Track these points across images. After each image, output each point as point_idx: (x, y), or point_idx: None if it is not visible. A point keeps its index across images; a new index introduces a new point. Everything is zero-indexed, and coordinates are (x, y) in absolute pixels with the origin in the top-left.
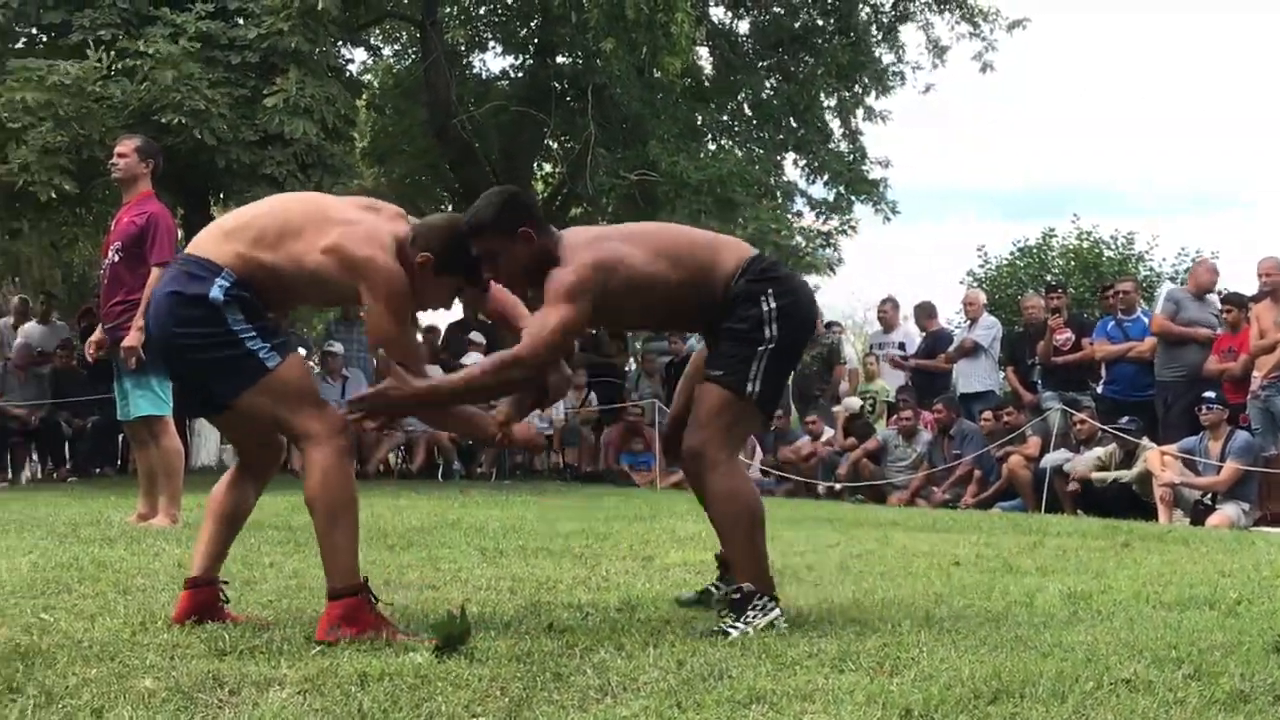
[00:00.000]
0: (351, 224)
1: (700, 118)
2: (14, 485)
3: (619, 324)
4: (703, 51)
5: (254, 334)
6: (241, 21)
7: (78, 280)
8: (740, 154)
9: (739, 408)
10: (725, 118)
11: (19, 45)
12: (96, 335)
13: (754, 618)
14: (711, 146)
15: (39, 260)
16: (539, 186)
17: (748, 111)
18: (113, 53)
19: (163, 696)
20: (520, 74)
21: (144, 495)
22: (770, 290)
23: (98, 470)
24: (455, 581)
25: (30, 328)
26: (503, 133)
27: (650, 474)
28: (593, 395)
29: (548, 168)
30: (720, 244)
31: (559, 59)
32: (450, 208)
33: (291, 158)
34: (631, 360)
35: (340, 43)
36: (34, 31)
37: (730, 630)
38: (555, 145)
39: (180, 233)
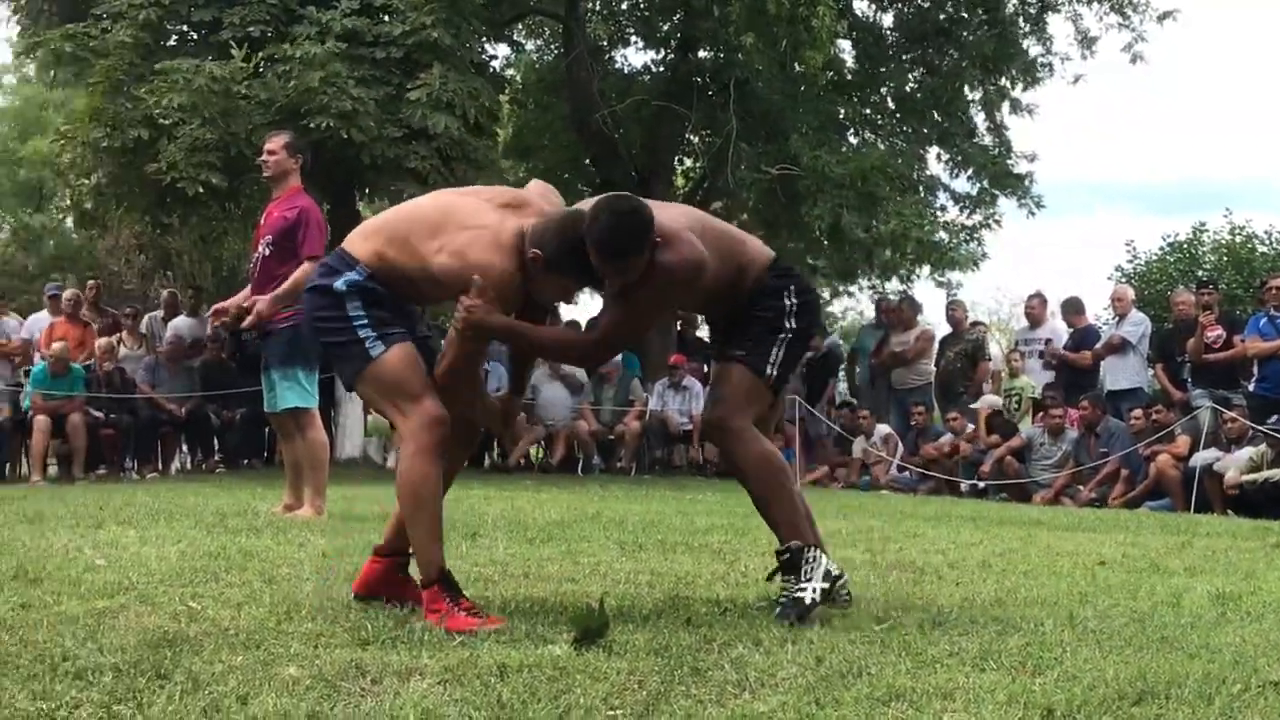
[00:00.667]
0: (478, 229)
1: (842, 111)
2: (164, 475)
3: None
4: (845, 44)
5: (366, 323)
6: (387, 19)
7: (226, 274)
8: (883, 148)
9: (757, 387)
10: (868, 111)
11: (171, 43)
12: (222, 304)
13: (812, 572)
14: (854, 140)
15: (189, 254)
16: (679, 181)
17: (891, 105)
18: (259, 54)
19: (306, 684)
20: (662, 68)
21: (290, 487)
22: (792, 287)
23: (245, 462)
24: (594, 575)
25: (180, 321)
26: (644, 127)
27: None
28: None
29: (688, 162)
30: (749, 240)
31: (700, 53)
32: None
33: (435, 152)
34: None
35: (483, 38)
36: (185, 29)
37: (801, 595)
38: (696, 140)
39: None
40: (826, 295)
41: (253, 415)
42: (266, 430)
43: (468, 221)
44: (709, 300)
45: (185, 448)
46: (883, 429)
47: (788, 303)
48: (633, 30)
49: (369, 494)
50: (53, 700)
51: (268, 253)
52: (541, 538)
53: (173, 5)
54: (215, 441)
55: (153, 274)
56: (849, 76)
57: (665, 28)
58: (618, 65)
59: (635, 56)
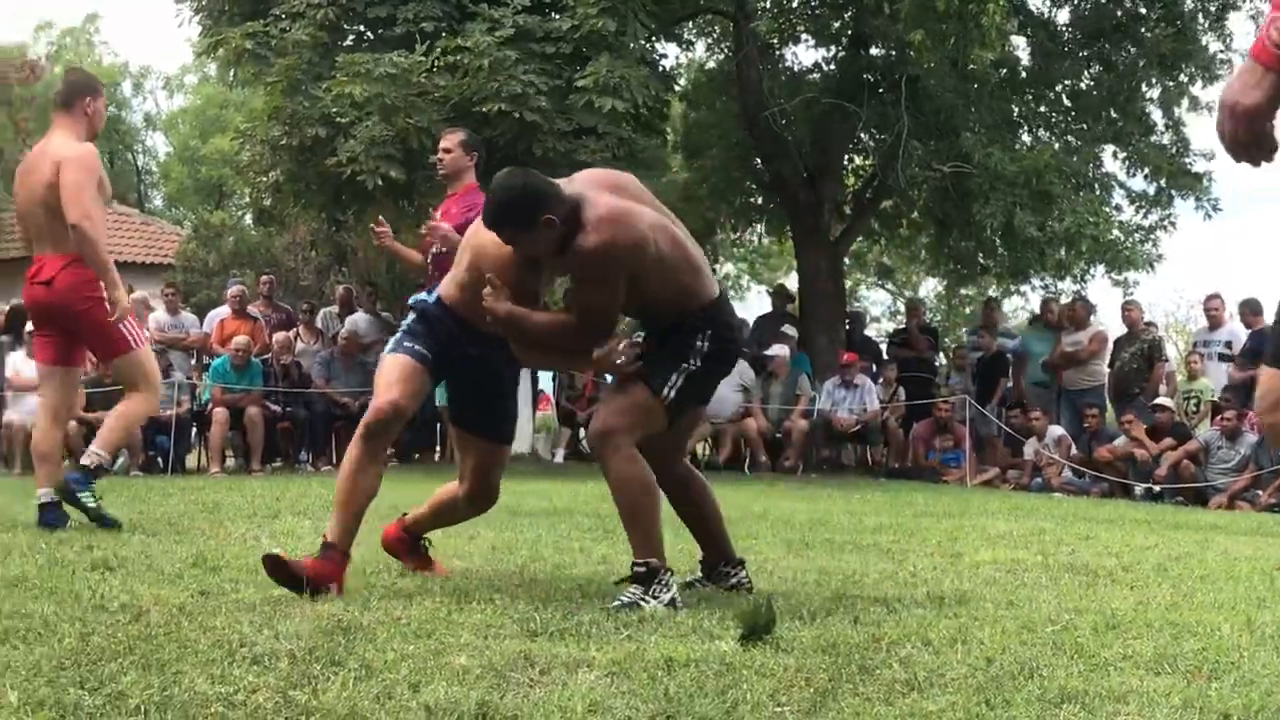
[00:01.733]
0: None
1: (1016, 109)
2: (337, 468)
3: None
4: (1019, 41)
5: (401, 331)
6: (556, 15)
7: (400, 271)
8: (1057, 146)
9: (652, 406)
10: (1042, 108)
11: (347, 42)
12: None
13: (660, 592)
14: (1027, 138)
15: (364, 250)
16: (849, 179)
17: (1066, 102)
18: (437, 47)
19: (476, 674)
20: (832, 66)
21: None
22: (709, 331)
23: (415, 456)
24: (761, 572)
25: (356, 317)
26: (814, 125)
27: (960, 471)
28: (901, 390)
29: (859, 160)
30: (702, 272)
31: (872, 50)
32: (760, 200)
33: (604, 147)
34: (941, 355)
35: (652, 35)
36: (361, 28)
37: (640, 604)
38: (866, 137)
39: None
40: (996, 294)
41: (424, 410)
42: (437, 425)
43: None
44: (644, 308)
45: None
46: (1055, 430)
47: (699, 343)
48: (803, 28)
49: (537, 489)
50: (231, 684)
51: (443, 250)
52: None
53: (349, 3)
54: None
55: (328, 270)
56: (1023, 73)
57: (836, 25)
58: (788, 63)
59: (805, 54)
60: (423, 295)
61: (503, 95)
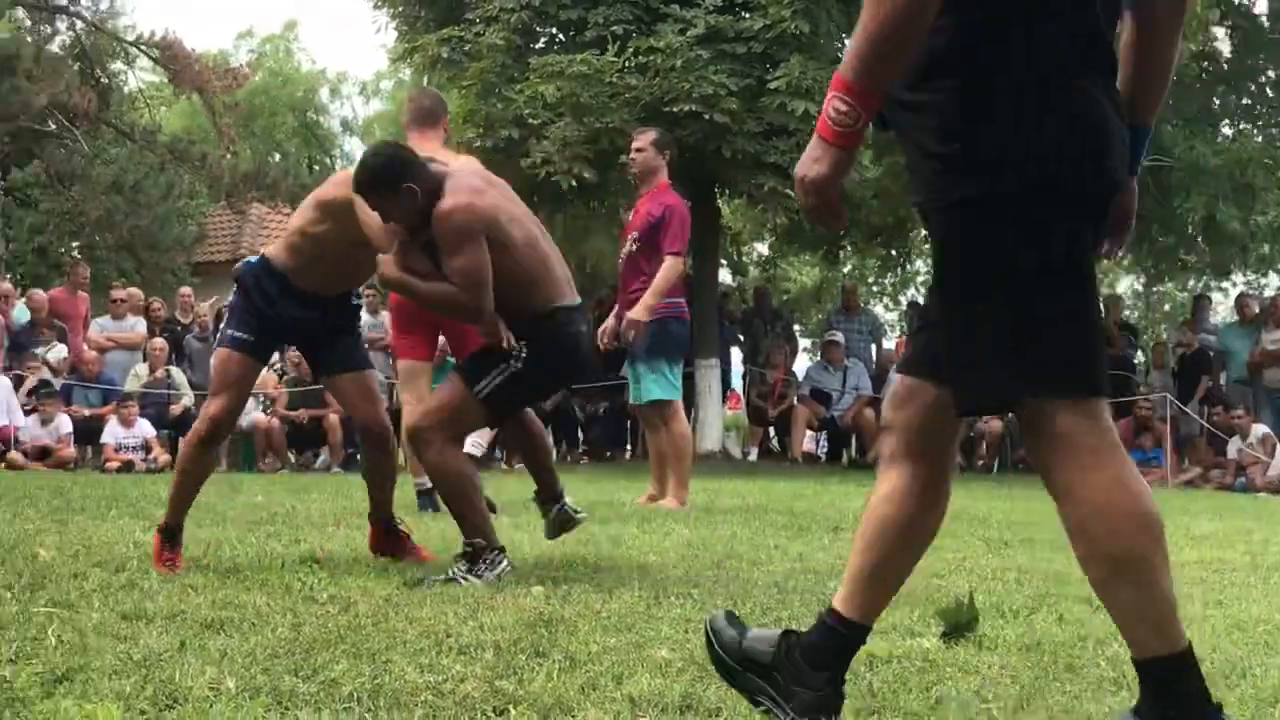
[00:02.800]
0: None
1: (1217, 101)
2: None
3: None
4: (1219, 32)
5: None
6: (747, 15)
7: (590, 271)
8: (1260, 139)
9: (467, 401)
10: (1245, 100)
11: (539, 45)
12: (609, 323)
13: (484, 570)
14: (1228, 130)
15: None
16: None
17: (1270, 93)
18: (629, 48)
19: (678, 667)
20: None
21: (654, 478)
22: (527, 340)
23: (608, 454)
24: (960, 570)
25: None
26: None
27: (1161, 470)
28: None
29: None
30: (557, 276)
31: None
32: None
33: (795, 147)
34: (1140, 353)
35: (844, 33)
36: (553, 31)
37: (462, 580)
38: None
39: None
40: (1196, 286)
41: (615, 408)
42: (629, 423)
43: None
44: (496, 298)
45: (550, 439)
46: (1260, 429)
47: (520, 350)
48: None
49: (729, 487)
50: (439, 674)
51: (634, 249)
52: None
53: (542, 6)
54: (579, 433)
55: None
56: (1224, 65)
57: None
58: None
59: None
60: (249, 260)
61: (694, 96)
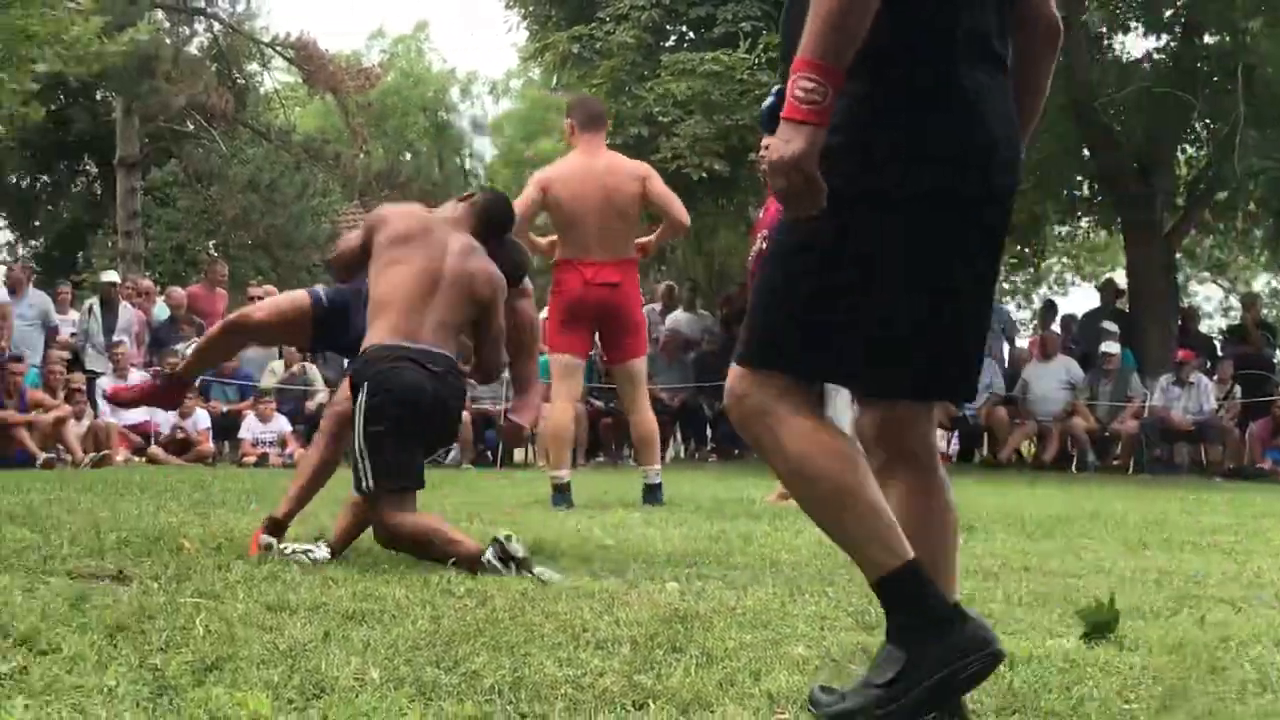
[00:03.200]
0: None
1: None
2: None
3: None
4: None
5: None
6: None
7: (718, 269)
8: None
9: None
10: None
11: (669, 43)
12: None
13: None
14: None
15: (683, 249)
16: (1181, 170)
17: None
18: (760, 44)
19: (815, 664)
20: (1164, 55)
21: None
22: (366, 385)
23: (735, 452)
24: (1098, 571)
25: (677, 315)
26: (1145, 115)
27: None
28: (1237, 388)
29: (1191, 150)
30: (396, 316)
31: (1206, 38)
32: (1088, 192)
33: None
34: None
35: None
36: (683, 28)
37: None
38: (1200, 128)
39: None
40: None
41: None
42: None
43: None
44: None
45: (679, 437)
46: None
47: (360, 398)
48: (1133, 17)
49: None
50: (578, 668)
51: (764, 246)
52: (1040, 533)
53: (672, 4)
54: (708, 431)
55: (647, 269)
56: None
57: (1168, 13)
58: (1116, 53)
59: (1135, 43)
60: None
61: None
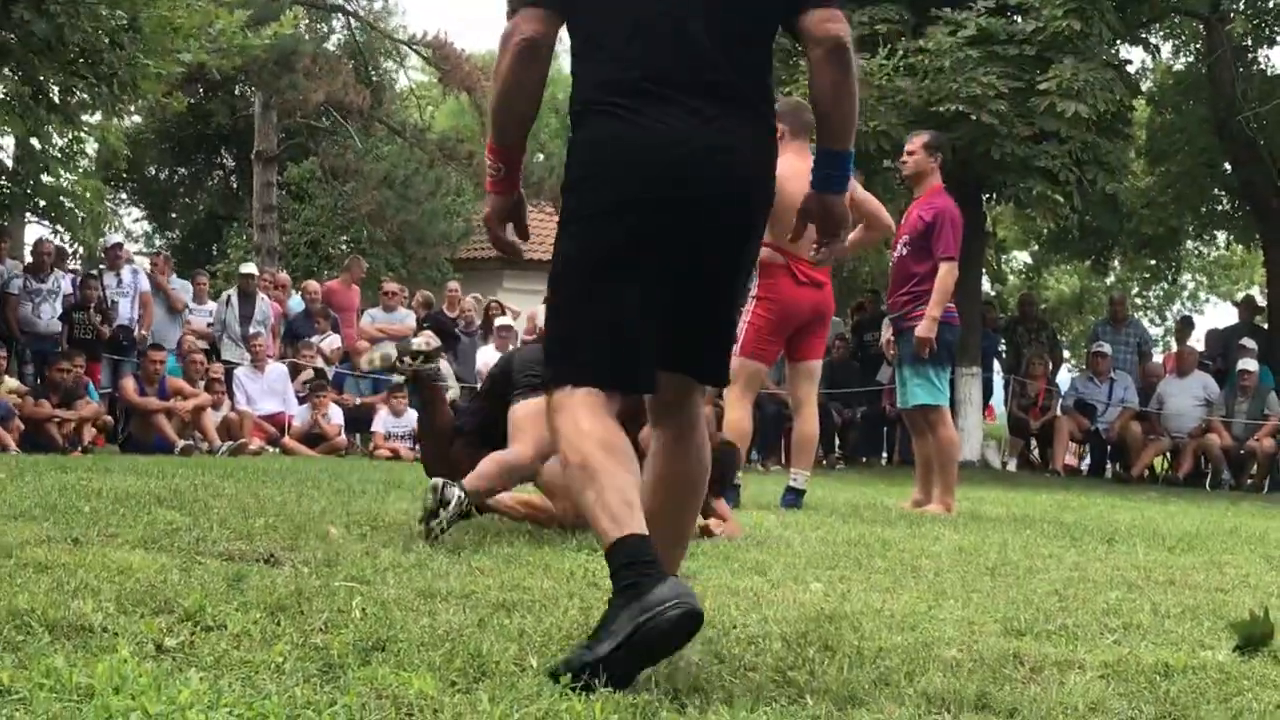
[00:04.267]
0: None
1: None
2: (785, 469)
3: None
4: None
5: None
6: (1019, 19)
7: (847, 275)
8: None
9: None
10: None
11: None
12: (885, 334)
13: None
14: None
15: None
16: None
17: None
18: (899, 50)
19: (969, 667)
20: None
21: (920, 481)
22: None
23: (864, 459)
24: (1243, 586)
25: None
26: None
27: None
28: None
29: None
30: None
31: None
32: (1228, 207)
33: (1066, 153)
34: None
35: (1117, 38)
36: None
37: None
38: None
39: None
40: None
41: (874, 414)
42: (884, 429)
43: None
44: None
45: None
46: None
47: None
48: (1279, 29)
49: (992, 496)
50: (730, 662)
51: (905, 252)
52: (1181, 547)
53: None
54: (836, 438)
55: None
56: None
57: None
58: (1262, 65)
59: None
60: None
61: (962, 96)
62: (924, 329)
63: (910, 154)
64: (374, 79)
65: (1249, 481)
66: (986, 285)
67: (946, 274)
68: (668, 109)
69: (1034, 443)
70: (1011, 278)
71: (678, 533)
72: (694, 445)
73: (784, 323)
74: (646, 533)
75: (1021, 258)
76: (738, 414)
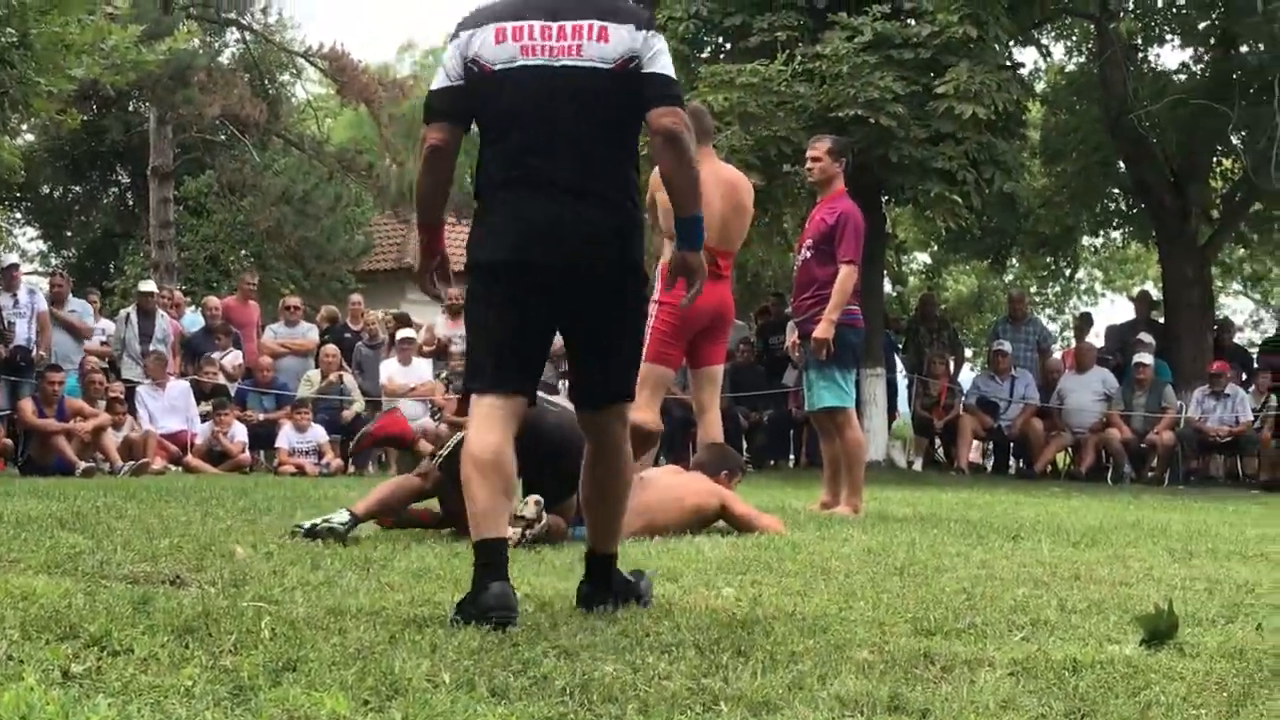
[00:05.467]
0: None
1: None
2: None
3: None
4: None
5: None
6: (914, 23)
7: (750, 280)
8: None
9: None
10: None
11: (704, 54)
12: (790, 337)
13: None
14: None
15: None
16: (1216, 183)
17: None
18: (797, 55)
19: (880, 669)
20: (1200, 66)
21: (828, 483)
22: None
23: (771, 461)
24: (1147, 579)
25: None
26: (1180, 128)
27: None
28: (1274, 399)
29: (1227, 163)
30: None
31: (1243, 49)
32: (1122, 205)
33: (963, 154)
34: None
35: (1011, 40)
36: (719, 39)
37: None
38: (1236, 140)
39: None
40: None
41: (779, 416)
42: (790, 432)
43: None
44: None
45: None
46: None
47: None
48: (1168, 28)
49: (899, 496)
50: (645, 671)
51: (809, 255)
52: (1085, 542)
53: (709, 15)
54: (743, 441)
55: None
56: None
57: (1203, 25)
58: (1151, 64)
59: (1171, 55)
60: None
61: (859, 100)
62: (821, 330)
63: (815, 160)
64: (271, 92)
65: (1150, 475)
66: (888, 286)
67: (846, 277)
68: (537, 196)
69: (938, 442)
70: (912, 278)
71: (607, 518)
72: (608, 457)
73: (685, 327)
74: (500, 535)
75: (921, 258)
76: (646, 417)
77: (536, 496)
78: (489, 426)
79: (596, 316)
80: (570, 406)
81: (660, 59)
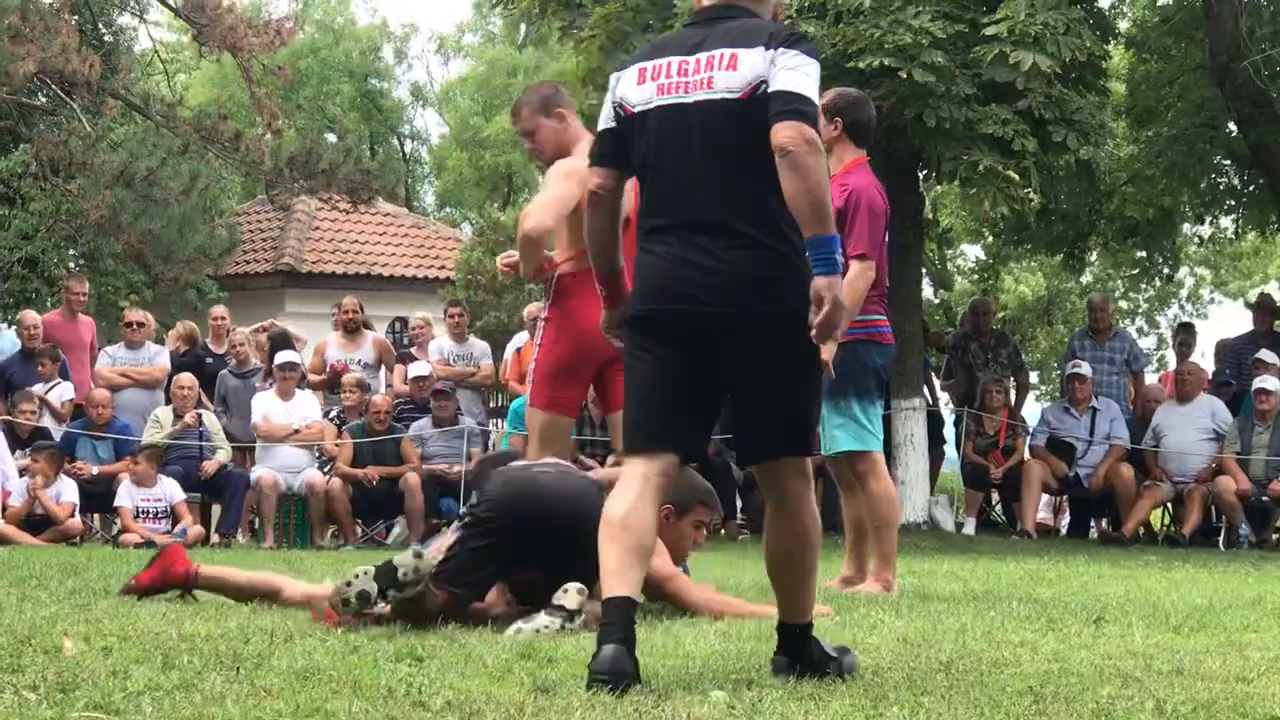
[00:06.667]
0: None
1: None
2: None
3: None
4: None
5: None
6: None
7: None
8: None
9: None
10: None
11: None
12: None
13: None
14: None
15: None
16: None
17: None
18: None
19: None
20: None
21: (850, 553)
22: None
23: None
24: (1272, 673)
25: None
26: None
27: None
28: None
29: None
30: None
31: None
32: (1234, 180)
33: (1019, 117)
34: None
35: None
36: None
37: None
38: None
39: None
40: None
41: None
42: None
43: None
44: None
45: None
46: None
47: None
48: None
49: (945, 568)
50: None
51: None
52: (1189, 626)
53: None
54: (736, 500)
55: None
56: None
57: None
58: None
59: None
60: None
61: (886, 46)
62: (825, 347)
63: None
64: (106, 40)
65: (1275, 537)
66: (928, 290)
67: (857, 276)
68: (670, 243)
69: (995, 496)
70: (960, 279)
71: (793, 584)
72: (786, 517)
73: (581, 357)
74: (626, 594)
75: (972, 252)
76: None
77: (580, 585)
78: (626, 486)
79: (747, 368)
80: (563, 464)
81: (785, 75)
